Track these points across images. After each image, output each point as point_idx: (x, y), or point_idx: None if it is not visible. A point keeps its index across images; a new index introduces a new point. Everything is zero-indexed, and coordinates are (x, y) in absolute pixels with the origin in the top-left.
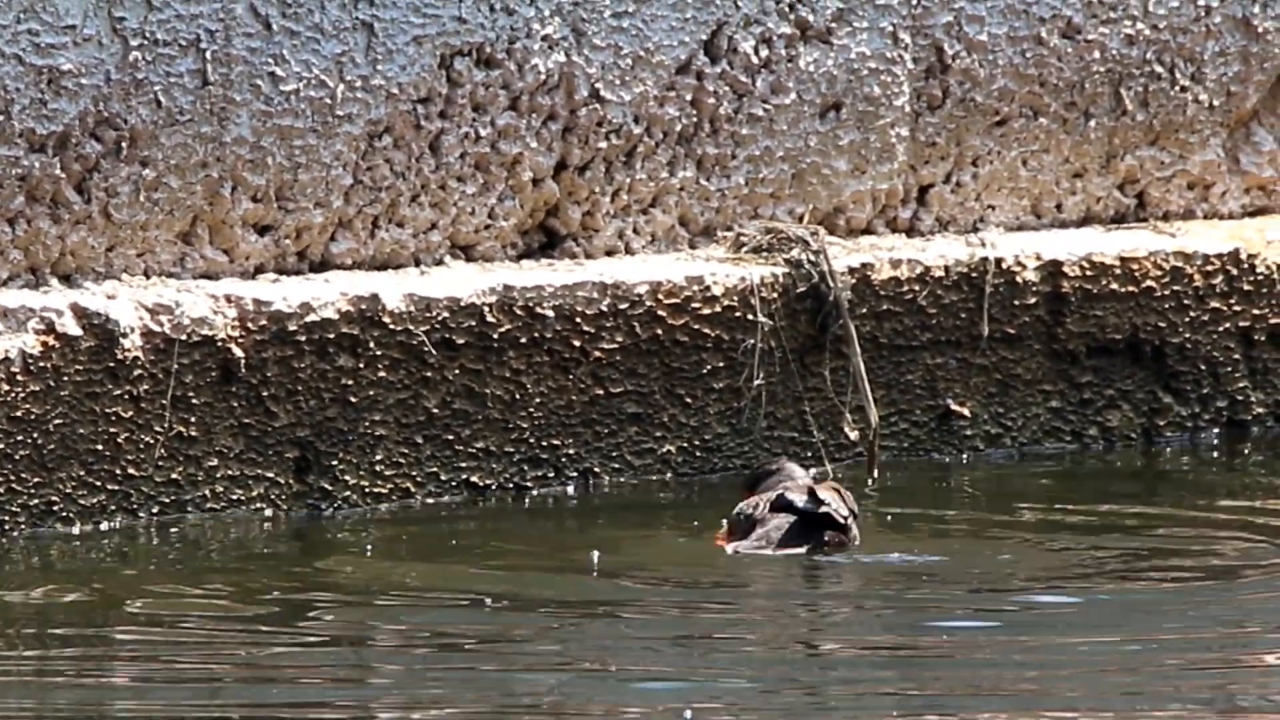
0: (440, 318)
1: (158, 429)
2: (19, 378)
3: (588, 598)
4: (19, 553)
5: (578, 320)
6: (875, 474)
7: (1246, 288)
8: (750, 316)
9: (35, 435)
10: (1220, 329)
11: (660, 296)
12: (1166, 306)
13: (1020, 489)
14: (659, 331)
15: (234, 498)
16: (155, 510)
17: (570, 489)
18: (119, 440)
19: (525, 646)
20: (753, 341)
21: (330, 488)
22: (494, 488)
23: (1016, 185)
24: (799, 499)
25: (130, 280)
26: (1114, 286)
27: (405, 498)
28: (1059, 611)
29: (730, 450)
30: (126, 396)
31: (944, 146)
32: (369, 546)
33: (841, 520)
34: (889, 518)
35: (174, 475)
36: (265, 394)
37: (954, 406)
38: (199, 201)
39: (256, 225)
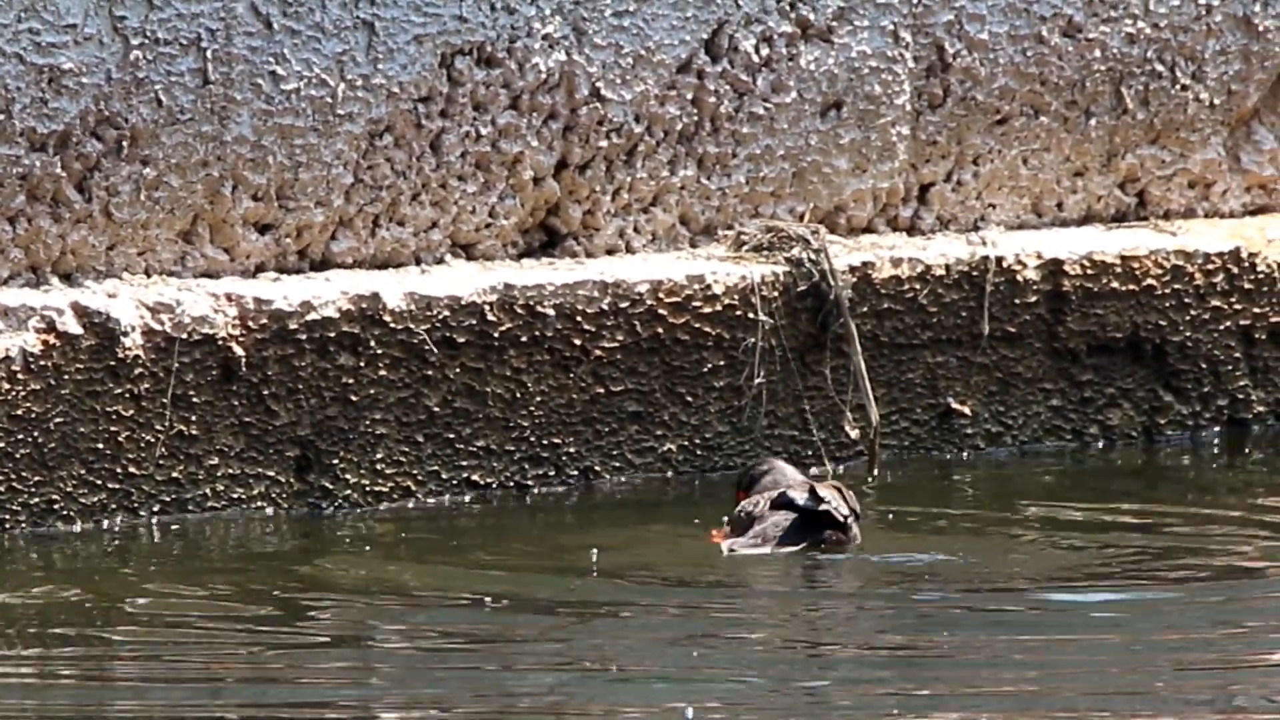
0: (441, 316)
1: (158, 428)
2: (20, 376)
3: (588, 598)
4: (19, 551)
5: (578, 319)
6: (876, 472)
7: (1247, 286)
8: (751, 315)
9: (36, 434)
10: (1221, 327)
11: (661, 295)
12: (1167, 305)
13: (1021, 488)
14: (660, 330)
15: (235, 496)
16: (156, 509)
17: (571, 487)
18: (120, 439)
19: (525, 646)
20: (753, 340)
21: (331, 486)
22: (495, 486)
23: (1017, 184)
24: (800, 496)
25: (131, 279)
26: (1115, 285)
27: (406, 496)
28: (1060, 611)
29: (731, 449)
30: (127, 395)
31: (945, 145)
32: (369, 546)
33: (841, 519)
34: (889, 516)
35: (175, 474)
36: (266, 393)
37: (955, 405)
38: (200, 200)
39: (257, 224)
